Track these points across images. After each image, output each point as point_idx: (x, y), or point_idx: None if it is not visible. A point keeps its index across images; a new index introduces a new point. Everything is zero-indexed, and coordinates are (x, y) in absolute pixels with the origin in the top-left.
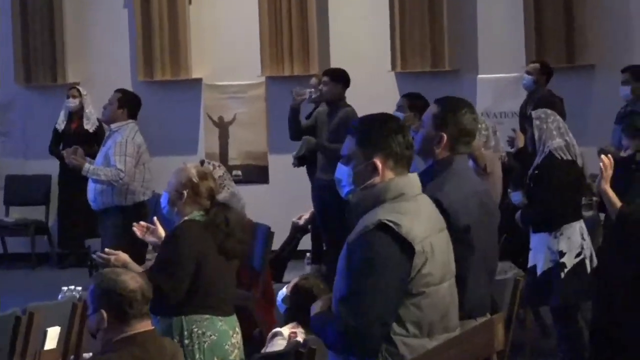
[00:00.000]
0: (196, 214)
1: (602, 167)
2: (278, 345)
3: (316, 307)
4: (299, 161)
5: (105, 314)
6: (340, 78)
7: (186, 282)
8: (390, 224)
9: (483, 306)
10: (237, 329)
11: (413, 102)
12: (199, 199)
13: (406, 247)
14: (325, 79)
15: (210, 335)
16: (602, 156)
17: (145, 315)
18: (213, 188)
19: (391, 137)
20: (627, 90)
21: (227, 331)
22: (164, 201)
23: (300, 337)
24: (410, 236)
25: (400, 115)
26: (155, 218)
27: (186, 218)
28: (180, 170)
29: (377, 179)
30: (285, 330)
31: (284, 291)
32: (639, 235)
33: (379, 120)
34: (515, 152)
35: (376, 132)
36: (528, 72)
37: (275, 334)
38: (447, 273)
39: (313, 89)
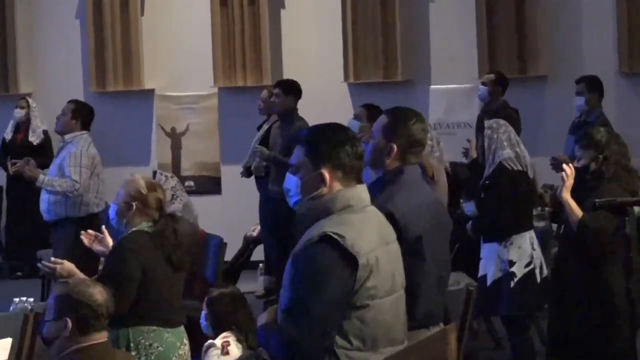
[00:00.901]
0: (144, 225)
1: (563, 176)
2: (213, 356)
3: (262, 318)
4: (248, 171)
5: (70, 323)
6: (292, 90)
7: (133, 293)
8: (335, 237)
9: (436, 316)
10: (185, 341)
11: (372, 112)
12: (147, 210)
13: (350, 260)
14: (276, 91)
15: (157, 347)
16: (564, 165)
17: (104, 329)
18: (162, 199)
19: (340, 148)
20: (581, 101)
21: (175, 343)
22: (112, 212)
23: (233, 345)
24: (355, 249)
25: (356, 124)
26: (103, 227)
27: (134, 229)
28: (128, 181)
29: (324, 190)
30: (218, 341)
31: (204, 312)
32: (600, 245)
33: (328, 131)
34: (469, 162)
35: (325, 142)
36: (483, 83)
37: (209, 346)
38: (394, 286)
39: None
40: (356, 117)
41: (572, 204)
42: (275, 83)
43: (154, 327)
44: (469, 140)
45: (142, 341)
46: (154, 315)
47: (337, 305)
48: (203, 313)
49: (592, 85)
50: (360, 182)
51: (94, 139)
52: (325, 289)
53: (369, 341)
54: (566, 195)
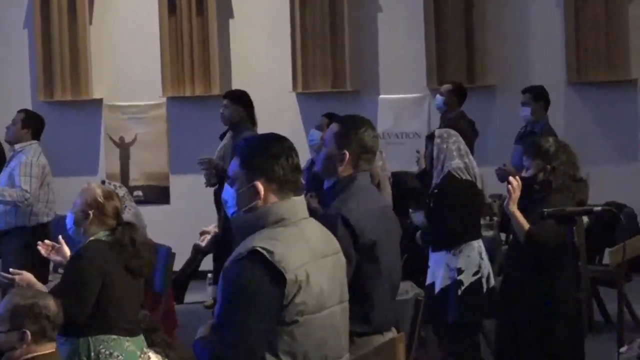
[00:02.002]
0: (102, 234)
1: (510, 189)
2: None
3: (201, 331)
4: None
5: (29, 334)
6: (241, 100)
7: (92, 302)
8: (263, 252)
9: (389, 321)
10: (145, 349)
11: (333, 122)
12: (104, 219)
13: (278, 276)
14: (225, 101)
15: (118, 356)
16: (511, 178)
17: (54, 339)
18: (118, 207)
19: (274, 161)
20: (527, 111)
21: (135, 352)
22: (69, 222)
23: (153, 358)
24: (283, 264)
25: (318, 133)
26: (60, 237)
27: (92, 238)
28: (85, 190)
29: (259, 203)
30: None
31: None
32: (546, 256)
33: (264, 143)
34: (418, 172)
35: (259, 154)
36: (440, 93)
37: None
38: (329, 300)
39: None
40: (318, 127)
41: (519, 216)
42: (224, 94)
43: (115, 336)
44: (418, 152)
45: (103, 350)
46: (114, 324)
47: (264, 321)
48: None
49: (538, 96)
50: (296, 194)
51: (42, 149)
52: (252, 305)
53: (299, 357)
54: (513, 208)
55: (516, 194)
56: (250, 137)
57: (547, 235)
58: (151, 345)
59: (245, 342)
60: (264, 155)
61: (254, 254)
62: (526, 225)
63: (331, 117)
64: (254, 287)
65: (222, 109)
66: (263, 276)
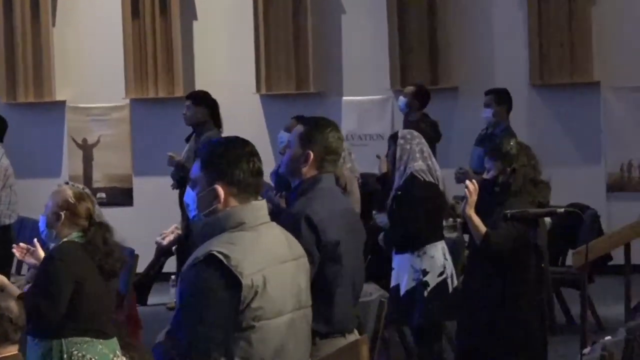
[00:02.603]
0: (75, 235)
1: (466, 192)
2: None
3: (162, 335)
4: (178, 182)
5: None
6: (203, 100)
7: (64, 304)
8: (220, 256)
9: (351, 322)
10: (118, 352)
11: None
12: (77, 220)
13: (233, 281)
14: (187, 102)
15: (90, 359)
16: (467, 182)
17: (17, 341)
18: (90, 208)
19: (235, 164)
20: (489, 113)
21: (108, 355)
22: (42, 225)
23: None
24: (239, 269)
25: (286, 135)
26: (35, 240)
27: (64, 240)
28: (56, 192)
29: (219, 207)
30: None
31: None
32: (502, 260)
33: (224, 146)
34: (379, 176)
35: (220, 158)
36: (404, 95)
37: None
38: (288, 306)
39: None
40: (287, 129)
41: (476, 219)
42: (186, 96)
43: (87, 339)
44: (378, 157)
45: (75, 352)
46: (87, 326)
47: (220, 326)
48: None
49: (500, 98)
50: (257, 198)
51: (5, 151)
52: (207, 310)
53: None
54: (470, 212)
55: (473, 198)
56: (212, 140)
57: (504, 238)
58: None
59: (200, 348)
60: (224, 159)
61: (210, 258)
62: (483, 228)
63: (300, 119)
64: (209, 292)
65: (184, 110)
66: (219, 281)
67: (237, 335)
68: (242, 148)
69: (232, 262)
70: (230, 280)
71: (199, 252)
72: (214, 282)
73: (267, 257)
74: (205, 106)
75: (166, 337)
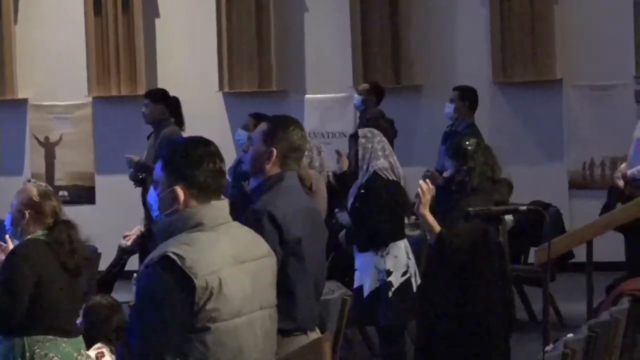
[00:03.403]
0: (39, 233)
1: (419, 192)
2: None
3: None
4: (139, 180)
5: None
6: (161, 98)
7: (25, 301)
8: (174, 257)
9: (313, 320)
10: (83, 351)
11: (259, 122)
12: (42, 218)
13: (188, 282)
14: (146, 101)
15: (53, 357)
16: (420, 181)
17: None
18: (55, 206)
19: (195, 165)
20: (451, 108)
21: (71, 353)
22: (7, 223)
23: (107, 356)
24: (193, 270)
25: (244, 133)
26: (7, 237)
27: (29, 237)
28: (21, 190)
29: (179, 207)
30: (92, 352)
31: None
32: (457, 260)
33: (185, 147)
34: (338, 173)
35: (180, 159)
36: (359, 93)
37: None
38: (248, 307)
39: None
40: (244, 126)
41: (430, 218)
42: (145, 94)
43: (50, 337)
44: (339, 153)
45: (38, 351)
46: (50, 324)
47: (174, 328)
48: (77, 321)
49: (464, 95)
50: (219, 198)
51: None
52: (161, 311)
53: None
54: (423, 211)
55: (426, 197)
56: (174, 141)
57: (459, 237)
58: None
59: (154, 349)
60: (185, 160)
61: (164, 259)
62: (437, 228)
63: (257, 116)
64: (163, 293)
65: (143, 108)
66: (173, 282)
67: (192, 337)
68: (203, 148)
69: (187, 263)
70: (185, 281)
71: (155, 253)
72: (168, 283)
73: (225, 257)
74: (163, 104)
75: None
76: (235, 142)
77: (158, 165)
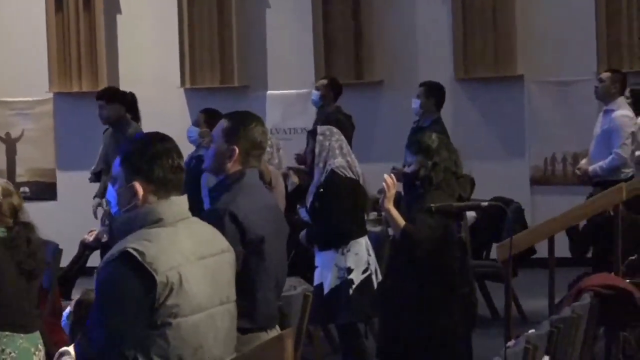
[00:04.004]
0: None
1: (384, 187)
2: None
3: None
4: (96, 176)
5: None
6: (115, 98)
7: None
8: (134, 253)
9: (273, 318)
10: (40, 347)
11: (210, 117)
12: (1, 217)
13: (148, 278)
14: (100, 102)
15: (10, 353)
16: (385, 176)
17: None
18: (16, 205)
19: (154, 161)
20: (417, 104)
21: (29, 349)
22: None
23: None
24: (154, 266)
25: (195, 129)
26: None
27: None
28: None
29: (138, 203)
30: (72, 348)
31: (69, 309)
32: (422, 254)
33: (144, 143)
34: (290, 190)
35: (139, 155)
36: (316, 88)
37: (62, 353)
38: (208, 302)
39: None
40: (195, 122)
41: (394, 213)
42: (98, 96)
43: (7, 333)
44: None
45: None
46: (6, 320)
47: (134, 324)
48: (67, 310)
49: (430, 91)
50: (178, 194)
51: None
52: (121, 307)
53: None
54: (388, 205)
55: (391, 192)
56: (132, 138)
57: (423, 232)
58: None
59: (114, 346)
60: (144, 156)
61: (124, 255)
62: (402, 222)
63: (208, 112)
64: (123, 289)
65: (98, 110)
66: (133, 278)
67: (153, 333)
68: (161, 144)
69: (147, 259)
70: (145, 277)
71: (115, 249)
72: (128, 279)
73: (185, 253)
74: (118, 103)
75: (82, 335)
76: None
77: (117, 161)
